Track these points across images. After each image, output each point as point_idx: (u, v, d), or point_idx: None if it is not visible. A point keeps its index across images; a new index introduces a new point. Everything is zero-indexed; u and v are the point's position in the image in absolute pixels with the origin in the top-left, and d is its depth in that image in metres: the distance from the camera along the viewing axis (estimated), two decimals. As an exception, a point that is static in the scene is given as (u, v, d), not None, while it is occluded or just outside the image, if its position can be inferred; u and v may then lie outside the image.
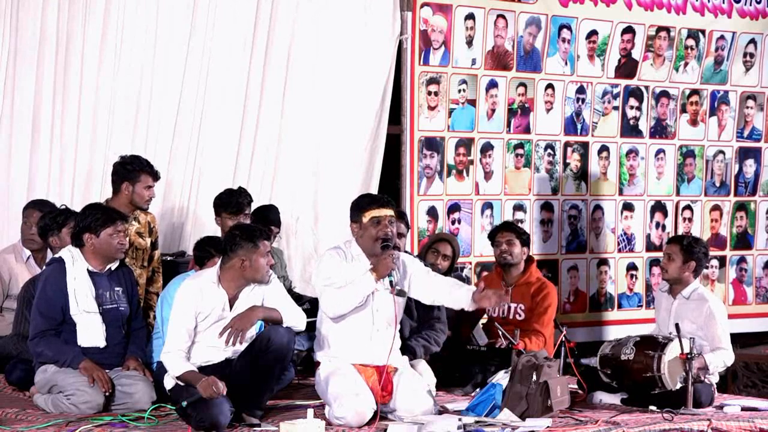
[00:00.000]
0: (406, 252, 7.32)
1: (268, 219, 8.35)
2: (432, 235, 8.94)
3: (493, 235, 8.26)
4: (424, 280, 6.76)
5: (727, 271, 11.04)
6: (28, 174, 8.18)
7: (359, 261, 6.61)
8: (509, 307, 8.07)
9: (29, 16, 8.09)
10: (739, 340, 7.74)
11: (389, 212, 6.60)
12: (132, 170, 7.78)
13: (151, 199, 7.88)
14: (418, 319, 7.56)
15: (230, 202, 8.18)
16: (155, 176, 7.82)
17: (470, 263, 9.62)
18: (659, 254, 10.40)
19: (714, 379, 7.35)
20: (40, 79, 8.16)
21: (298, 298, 7.75)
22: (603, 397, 7.21)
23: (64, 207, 7.61)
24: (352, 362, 6.60)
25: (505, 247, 8.12)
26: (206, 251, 7.15)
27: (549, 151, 10.15)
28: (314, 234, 9.15)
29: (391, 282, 6.53)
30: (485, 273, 9.24)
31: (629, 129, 10.56)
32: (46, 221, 7.40)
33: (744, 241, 11.16)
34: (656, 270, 10.53)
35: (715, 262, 10.94)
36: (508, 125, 9.94)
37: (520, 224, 9.84)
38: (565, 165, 10.23)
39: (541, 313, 7.98)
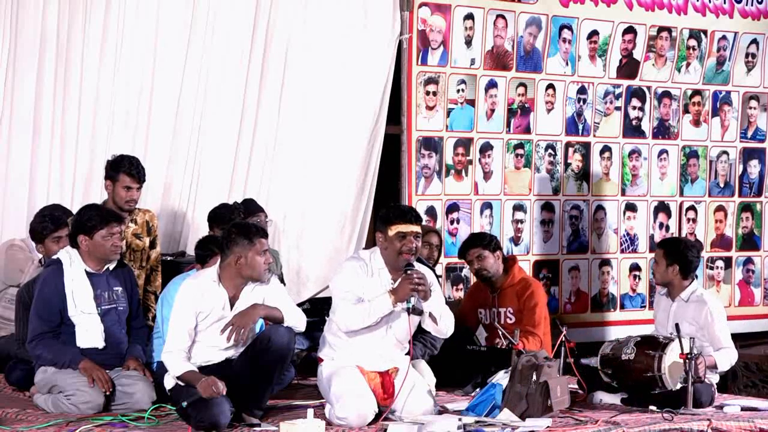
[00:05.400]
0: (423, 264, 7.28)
1: (252, 209, 8.33)
2: None
3: (463, 254, 8.18)
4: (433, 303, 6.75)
5: (733, 272, 11.03)
6: (29, 174, 8.18)
7: (380, 276, 6.59)
8: (499, 312, 8.06)
9: (29, 16, 8.09)
10: (739, 340, 7.73)
11: (416, 228, 6.58)
12: (113, 169, 7.77)
13: (134, 202, 7.83)
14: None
15: (224, 216, 8.11)
16: (135, 178, 7.75)
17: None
18: (662, 255, 10.41)
19: (714, 378, 7.35)
20: (41, 79, 8.17)
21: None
22: (603, 397, 7.20)
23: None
24: (356, 364, 6.61)
25: (478, 264, 8.04)
26: (208, 249, 7.15)
27: (550, 151, 10.15)
28: (299, 244, 9.13)
29: (408, 309, 6.51)
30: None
31: (632, 129, 10.56)
32: (38, 221, 7.40)
33: (750, 242, 11.15)
34: (658, 271, 10.54)
35: (720, 263, 10.94)
36: (508, 125, 9.95)
37: (520, 224, 9.87)
38: (567, 165, 10.22)
39: (531, 314, 7.95)
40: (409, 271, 6.48)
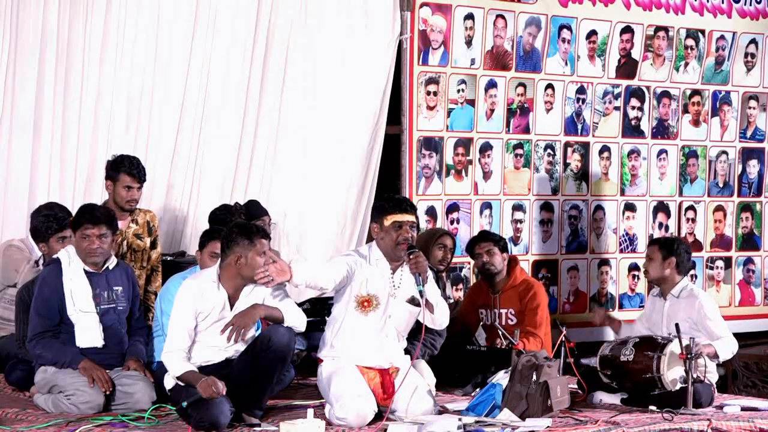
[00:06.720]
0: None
1: (255, 212, 8.33)
2: (429, 231, 8.91)
3: (472, 248, 8.28)
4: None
5: (734, 272, 11.03)
6: (29, 174, 8.18)
7: (378, 266, 6.63)
8: (500, 313, 8.07)
9: (29, 16, 8.08)
10: (739, 339, 7.74)
11: (411, 218, 6.63)
12: (113, 169, 7.78)
13: (134, 201, 7.85)
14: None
15: (224, 217, 8.11)
16: (135, 177, 7.77)
17: (469, 263, 9.61)
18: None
19: (713, 377, 7.36)
20: (41, 79, 8.16)
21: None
22: (603, 397, 7.21)
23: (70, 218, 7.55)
24: (356, 363, 6.61)
25: (487, 258, 8.14)
26: (214, 231, 7.11)
27: (549, 151, 10.15)
28: (299, 245, 9.14)
29: (421, 292, 6.52)
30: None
31: (631, 129, 10.56)
32: (42, 221, 7.39)
33: (751, 242, 11.15)
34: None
35: (720, 263, 10.94)
36: (508, 125, 9.95)
37: (519, 224, 9.88)
38: (566, 165, 10.23)
39: (532, 315, 7.99)
40: (414, 253, 6.51)
